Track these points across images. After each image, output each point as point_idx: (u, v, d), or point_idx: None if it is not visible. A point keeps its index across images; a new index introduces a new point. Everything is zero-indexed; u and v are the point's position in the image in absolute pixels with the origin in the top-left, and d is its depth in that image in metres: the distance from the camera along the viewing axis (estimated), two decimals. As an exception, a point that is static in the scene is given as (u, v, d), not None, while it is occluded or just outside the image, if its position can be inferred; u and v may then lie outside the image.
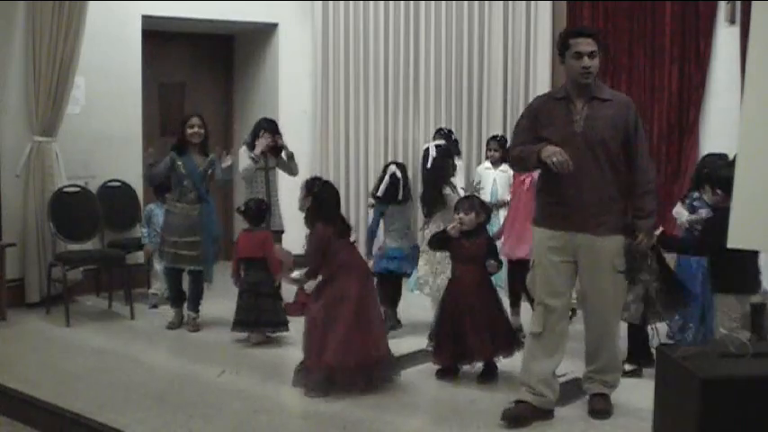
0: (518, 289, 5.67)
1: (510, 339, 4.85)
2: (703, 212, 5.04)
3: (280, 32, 8.23)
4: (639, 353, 4.93)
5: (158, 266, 6.60)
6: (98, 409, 4.35)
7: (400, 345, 5.28)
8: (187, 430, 4.09)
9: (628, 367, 4.82)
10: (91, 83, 7.02)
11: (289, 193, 6.26)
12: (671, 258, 5.15)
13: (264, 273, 5.67)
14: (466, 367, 4.91)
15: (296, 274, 5.58)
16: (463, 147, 7.80)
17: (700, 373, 3.12)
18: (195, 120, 6.06)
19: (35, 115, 6.61)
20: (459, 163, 6.94)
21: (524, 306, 5.49)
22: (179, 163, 5.99)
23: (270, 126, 6.37)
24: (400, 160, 7.20)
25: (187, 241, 5.97)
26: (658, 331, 4.98)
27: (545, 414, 4.18)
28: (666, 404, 3.40)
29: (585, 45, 4.01)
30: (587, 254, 4.08)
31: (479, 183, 6.45)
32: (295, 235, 5.89)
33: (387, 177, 5.88)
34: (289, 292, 6.21)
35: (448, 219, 5.26)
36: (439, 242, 5.05)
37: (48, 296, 6.52)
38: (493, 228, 5.97)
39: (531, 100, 5.07)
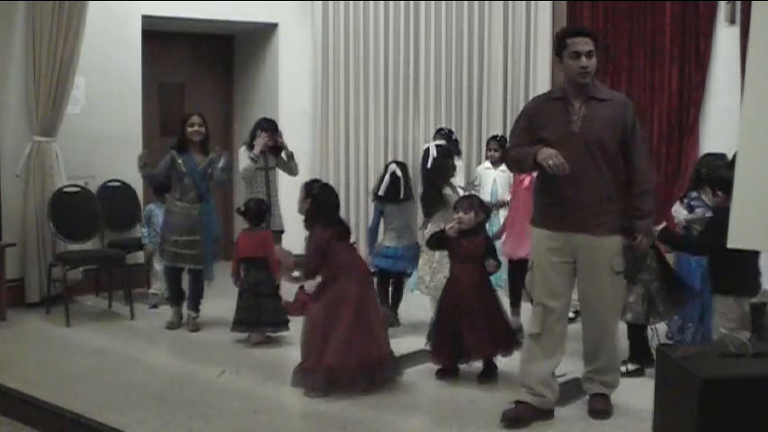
0: (519, 289, 5.67)
1: (509, 339, 4.84)
2: (699, 212, 5.04)
3: (280, 32, 8.24)
4: (640, 353, 4.93)
5: (158, 266, 6.60)
6: (98, 409, 4.35)
7: (400, 345, 5.27)
8: (187, 430, 4.09)
9: (630, 367, 4.82)
10: (91, 83, 7.02)
11: (289, 193, 6.26)
12: (670, 257, 5.16)
13: (265, 273, 5.67)
14: (465, 367, 4.90)
15: (297, 273, 5.59)
16: (463, 147, 7.78)
17: (700, 373, 3.11)
18: (196, 118, 6.06)
19: (35, 115, 6.61)
20: (459, 163, 6.94)
21: (525, 306, 5.49)
22: (179, 161, 6.00)
23: (269, 125, 6.39)
24: (400, 160, 7.20)
25: (187, 240, 5.97)
26: (658, 331, 4.99)
27: (545, 414, 4.18)
28: (666, 404, 3.40)
29: (583, 44, 3.99)
30: (586, 254, 4.07)
31: (476, 179, 6.46)
32: (295, 235, 5.89)
33: (387, 176, 5.89)
34: (289, 291, 6.20)
35: (448, 219, 5.26)
36: (437, 242, 5.05)
37: (48, 296, 6.52)
38: (493, 228, 5.98)
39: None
